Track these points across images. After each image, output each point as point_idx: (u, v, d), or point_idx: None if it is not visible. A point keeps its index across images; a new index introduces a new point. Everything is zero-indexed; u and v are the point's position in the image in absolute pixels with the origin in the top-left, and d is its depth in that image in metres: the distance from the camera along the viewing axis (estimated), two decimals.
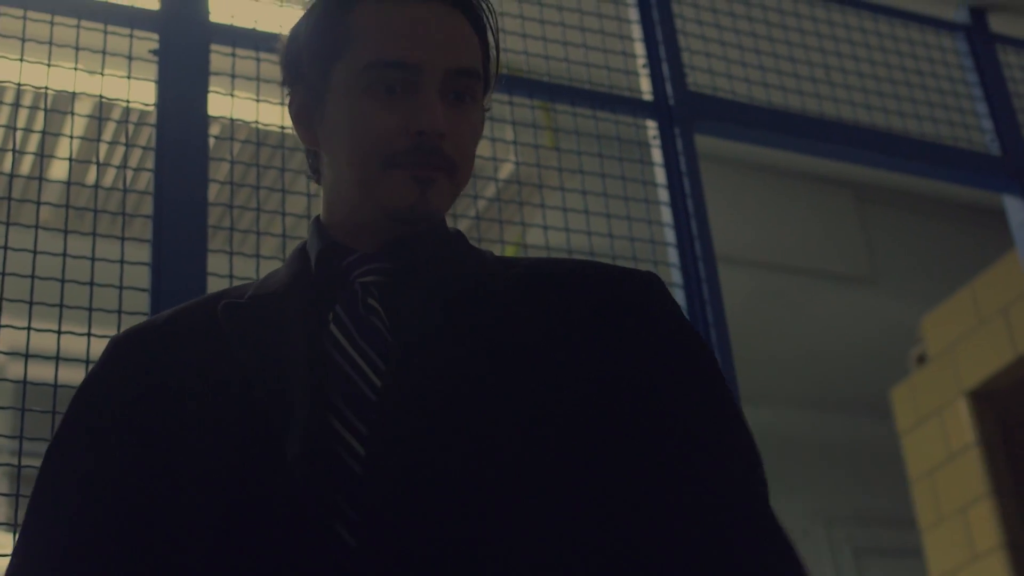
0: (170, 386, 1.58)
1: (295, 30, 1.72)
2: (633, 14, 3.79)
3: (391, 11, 1.62)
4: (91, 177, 2.95)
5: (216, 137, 3.05)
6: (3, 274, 2.69)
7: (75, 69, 2.93)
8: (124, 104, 2.98)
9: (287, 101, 1.73)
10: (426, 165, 1.58)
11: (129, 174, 2.98)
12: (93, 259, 2.77)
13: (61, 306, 2.68)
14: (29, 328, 2.66)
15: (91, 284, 2.74)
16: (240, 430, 1.51)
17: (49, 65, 2.93)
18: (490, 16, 1.72)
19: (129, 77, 2.96)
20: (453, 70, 1.61)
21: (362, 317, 1.57)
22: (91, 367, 1.68)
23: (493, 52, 1.73)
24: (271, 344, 1.57)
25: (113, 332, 2.67)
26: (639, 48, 3.75)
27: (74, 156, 2.92)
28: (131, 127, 3.11)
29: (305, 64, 1.68)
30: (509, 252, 4.88)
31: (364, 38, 1.61)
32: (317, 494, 1.45)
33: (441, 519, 1.42)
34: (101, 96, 2.96)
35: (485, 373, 1.52)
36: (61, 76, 2.95)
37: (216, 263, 2.81)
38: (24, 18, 2.93)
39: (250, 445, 1.50)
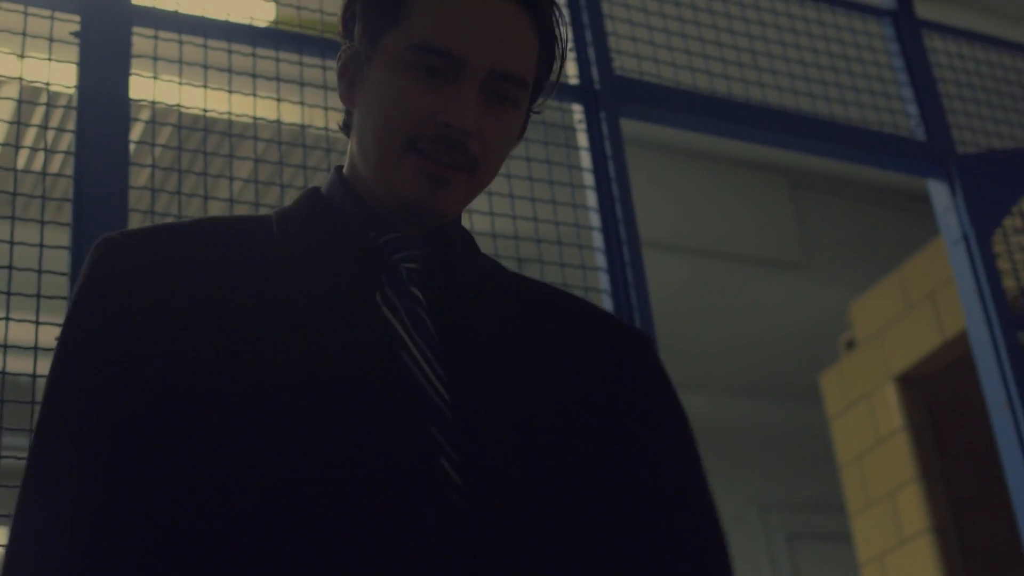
0: (215, 302, 1.52)
1: None
2: None
3: None
4: (10, 160, 2.92)
5: (138, 120, 3.03)
6: None
7: None
8: (45, 87, 2.95)
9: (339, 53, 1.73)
10: (445, 160, 1.58)
11: (50, 157, 2.95)
12: (12, 243, 2.75)
13: None
14: None
15: (9, 268, 2.71)
16: (320, 364, 1.50)
17: None
18: (559, 22, 1.70)
19: (50, 60, 2.93)
20: (499, 72, 1.60)
21: (409, 307, 1.58)
22: (86, 277, 1.56)
23: (555, 59, 1.72)
24: (323, 293, 1.56)
25: (31, 316, 2.68)
26: (564, 31, 3.74)
27: None
28: (52, 110, 3.08)
29: (360, 23, 1.67)
30: None
31: (420, 16, 1.60)
32: (422, 429, 1.48)
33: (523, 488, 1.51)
34: (21, 79, 2.94)
35: (530, 383, 1.60)
36: None
37: None
38: None
39: (333, 379, 1.49)
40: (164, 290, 1.52)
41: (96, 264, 1.55)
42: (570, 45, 3.71)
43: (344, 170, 1.71)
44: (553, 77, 1.73)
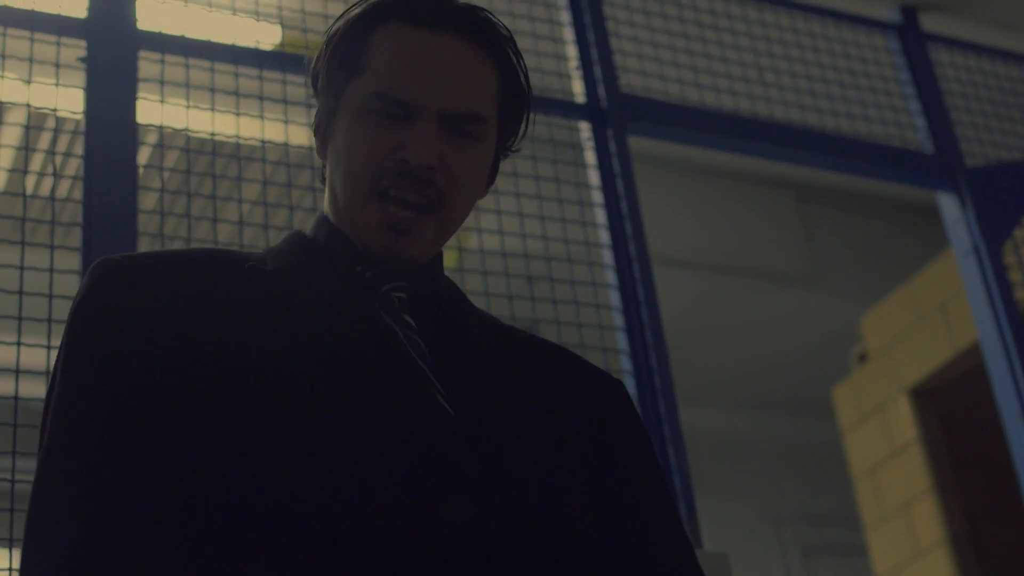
0: (218, 321, 1.53)
1: (324, 43, 1.74)
2: (565, 16, 3.80)
3: (407, 41, 1.65)
4: (20, 186, 2.92)
5: (146, 144, 3.04)
6: None
7: (2, 76, 2.91)
8: (52, 112, 2.96)
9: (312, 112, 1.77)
10: (413, 198, 1.61)
11: (59, 182, 2.96)
12: (22, 268, 2.75)
13: None
14: None
15: (20, 293, 2.72)
16: (329, 375, 1.51)
17: None
18: (513, 52, 1.73)
19: (57, 85, 2.94)
20: (451, 114, 1.63)
21: (405, 332, 1.61)
22: (88, 295, 1.55)
23: (519, 85, 1.74)
24: (324, 314, 1.58)
25: (43, 341, 2.68)
26: (571, 50, 3.76)
27: (3, 165, 2.90)
28: (60, 135, 3.09)
29: (324, 79, 1.71)
30: (449, 256, 4.87)
31: (377, 65, 1.65)
32: (443, 434, 1.51)
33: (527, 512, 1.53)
34: (29, 104, 2.95)
35: (521, 413, 1.63)
36: None
37: None
38: None
39: (344, 388, 1.51)
40: (165, 310, 1.52)
41: (96, 284, 1.55)
42: (576, 63, 3.72)
43: (326, 212, 1.73)
44: (524, 108, 1.76)
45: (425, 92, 1.62)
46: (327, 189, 1.72)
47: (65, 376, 1.50)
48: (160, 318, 1.51)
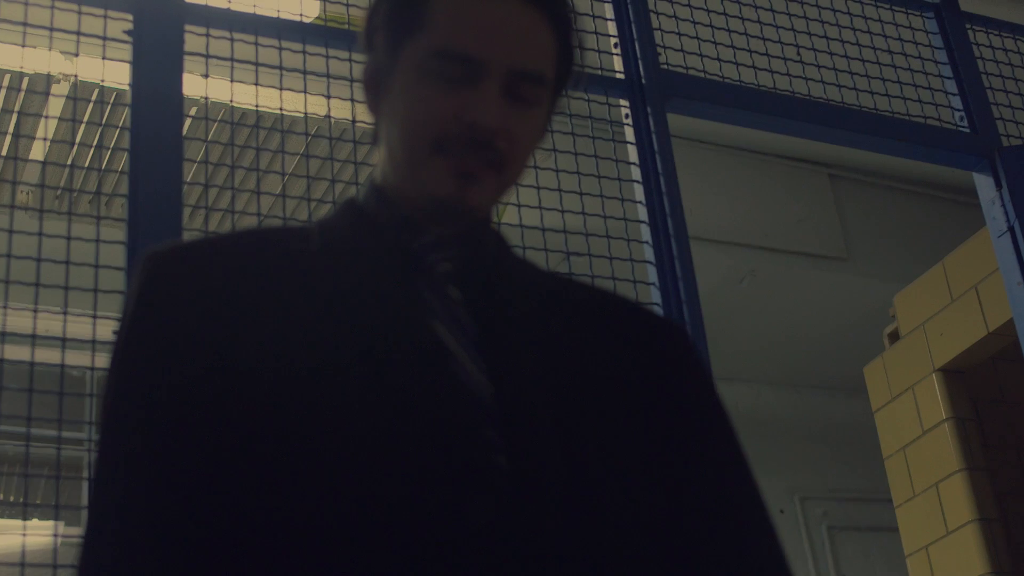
0: (261, 311, 1.54)
1: (376, 1, 1.72)
2: None
3: (469, 1, 1.63)
4: (67, 158, 2.95)
5: (192, 117, 3.06)
6: None
7: (49, 50, 2.94)
8: (99, 85, 2.98)
9: (363, 68, 1.75)
10: (473, 158, 1.60)
11: (105, 154, 2.98)
12: (69, 238, 2.78)
13: (37, 285, 2.69)
14: (5, 307, 2.66)
15: (67, 263, 2.75)
16: (366, 365, 1.51)
17: (24, 46, 2.93)
18: (572, 17, 1.71)
19: (104, 58, 2.96)
20: (518, 72, 1.61)
21: (448, 307, 1.60)
22: (140, 292, 1.56)
23: (573, 53, 1.73)
24: (362, 302, 1.58)
25: (89, 311, 2.71)
26: (611, 27, 3.76)
27: (50, 137, 2.92)
28: (107, 108, 3.11)
29: (380, 36, 1.69)
30: None
31: (438, 23, 1.62)
32: (475, 428, 1.50)
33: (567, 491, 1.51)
34: (76, 77, 2.97)
35: (570, 385, 1.61)
36: (36, 57, 2.95)
37: None
38: None
39: (381, 380, 1.50)
40: (213, 305, 1.53)
41: (147, 282, 1.57)
42: (616, 40, 3.73)
43: (376, 178, 1.72)
44: (575, 71, 1.75)
45: (491, 48, 1.60)
46: (382, 148, 1.71)
47: (120, 375, 1.53)
48: (207, 312, 1.52)
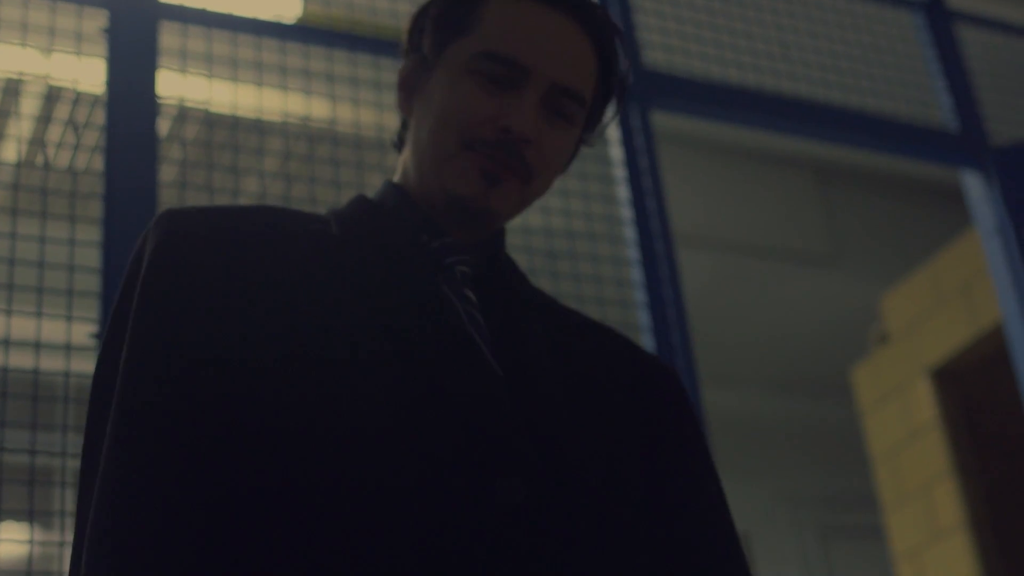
0: (279, 279, 1.52)
1: (427, 3, 1.74)
2: None
3: (524, 10, 1.65)
4: (41, 158, 2.91)
5: (168, 116, 3.02)
6: None
7: (23, 46, 2.90)
8: (73, 83, 2.94)
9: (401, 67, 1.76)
10: (500, 160, 1.60)
11: (79, 153, 2.94)
12: (43, 240, 2.74)
13: (11, 287, 2.65)
14: None
15: (41, 265, 2.70)
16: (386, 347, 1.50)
17: None
18: (618, 51, 1.73)
19: (79, 54, 2.92)
20: (560, 86, 1.63)
21: (465, 308, 1.60)
22: (157, 247, 1.52)
23: (613, 85, 1.74)
24: (385, 286, 1.56)
25: (63, 313, 2.67)
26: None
27: (23, 137, 2.88)
28: (81, 106, 3.07)
29: (427, 36, 1.71)
30: None
31: (489, 27, 1.64)
32: (503, 411, 1.50)
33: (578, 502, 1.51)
34: (49, 75, 2.93)
35: (577, 394, 1.62)
36: (9, 54, 2.91)
37: None
38: None
39: (402, 367, 1.49)
40: (236, 272, 1.51)
41: (163, 241, 1.52)
42: None
43: (396, 179, 1.73)
44: (611, 103, 1.77)
45: (537, 57, 1.62)
46: (407, 148, 1.72)
47: (135, 340, 1.47)
48: (227, 282, 1.50)
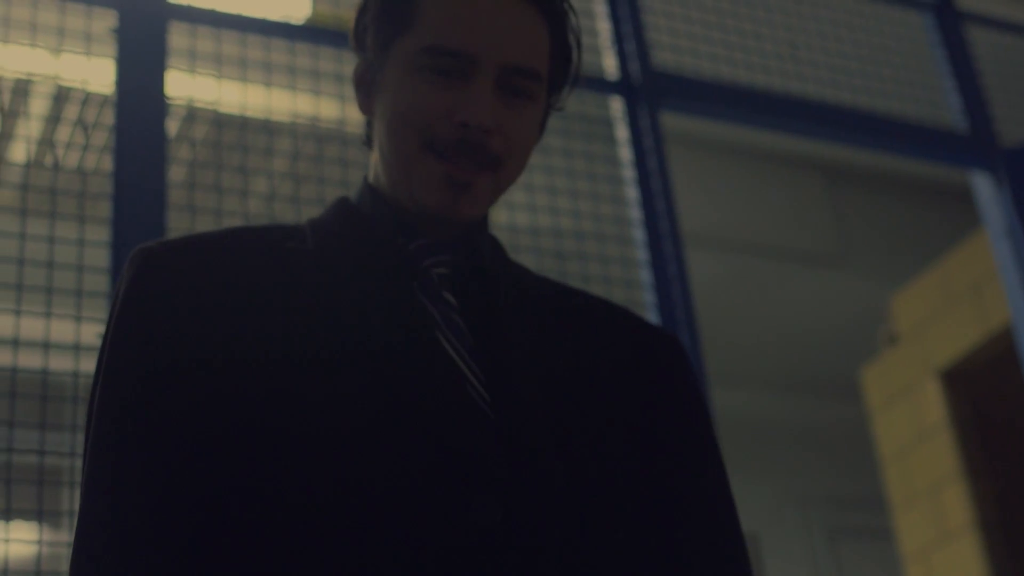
0: (248, 304, 1.51)
1: (365, 1, 1.70)
2: None
3: None
4: (50, 158, 2.91)
5: (177, 116, 3.02)
6: None
7: (33, 46, 2.90)
8: (83, 84, 2.94)
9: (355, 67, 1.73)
10: (466, 162, 1.57)
11: (88, 155, 2.94)
12: (52, 240, 2.74)
13: (20, 287, 2.65)
14: None
15: (50, 265, 2.71)
16: (360, 366, 1.48)
17: (6, 42, 2.89)
18: (567, 12, 1.69)
19: (88, 55, 2.92)
20: (510, 67, 1.59)
21: (443, 311, 1.58)
22: (129, 289, 1.53)
23: (570, 50, 1.70)
24: (358, 301, 1.55)
25: (72, 313, 2.67)
26: (604, 26, 3.73)
27: (33, 137, 2.88)
28: (90, 106, 3.07)
29: (371, 33, 1.67)
30: None
31: (428, 19, 1.60)
32: (472, 425, 1.48)
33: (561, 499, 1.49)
34: (59, 76, 2.93)
35: (565, 391, 1.59)
36: (19, 55, 2.91)
37: None
38: None
39: (375, 381, 1.48)
40: (204, 299, 1.51)
41: (135, 277, 1.54)
42: (609, 39, 3.69)
43: (370, 179, 1.71)
44: (572, 67, 1.72)
45: (481, 42, 1.57)
46: (374, 149, 1.70)
47: (107, 369, 1.50)
48: (196, 307, 1.50)
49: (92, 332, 2.66)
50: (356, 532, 1.39)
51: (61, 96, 3.00)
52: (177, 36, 3.04)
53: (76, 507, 2.42)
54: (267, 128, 3.10)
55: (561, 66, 1.70)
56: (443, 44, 1.57)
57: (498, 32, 1.58)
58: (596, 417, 1.59)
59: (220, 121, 3.08)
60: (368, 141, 1.74)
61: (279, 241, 1.61)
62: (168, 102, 2.94)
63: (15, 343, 2.63)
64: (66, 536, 2.59)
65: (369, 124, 1.72)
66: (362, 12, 1.70)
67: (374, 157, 1.70)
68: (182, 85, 3.03)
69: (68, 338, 2.66)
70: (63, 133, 3.06)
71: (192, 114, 3.07)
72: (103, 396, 1.48)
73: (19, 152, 3.51)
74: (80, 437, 2.54)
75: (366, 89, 1.69)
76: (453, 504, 1.41)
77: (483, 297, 1.63)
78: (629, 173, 3.49)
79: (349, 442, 1.42)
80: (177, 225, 2.84)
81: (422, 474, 1.42)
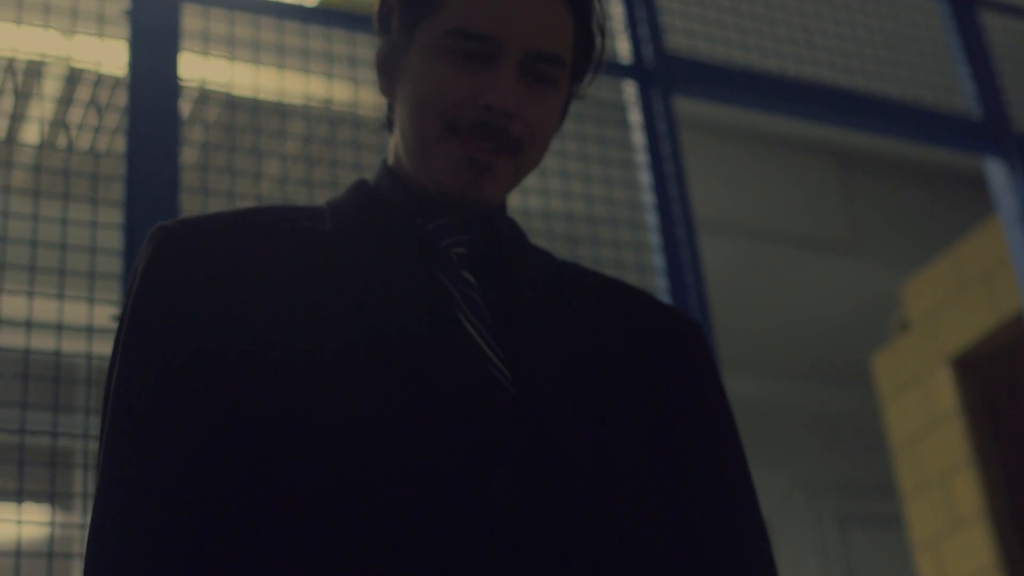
0: (269, 285, 1.51)
1: None
2: None
3: None
4: (63, 139, 2.91)
5: (190, 98, 3.02)
6: None
7: (46, 27, 2.89)
8: (96, 65, 2.94)
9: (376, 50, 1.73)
10: (486, 143, 1.58)
11: (101, 136, 2.94)
12: (65, 222, 2.74)
13: (33, 269, 2.65)
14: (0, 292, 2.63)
15: (63, 247, 2.71)
16: (376, 347, 1.48)
17: (20, 23, 2.89)
18: (593, 2, 1.69)
19: (101, 36, 2.92)
20: (533, 51, 1.59)
21: (462, 290, 1.58)
22: (147, 266, 1.53)
23: (594, 38, 1.70)
24: (377, 281, 1.55)
25: (85, 295, 2.67)
26: (617, 9, 3.72)
27: (46, 118, 2.88)
28: (103, 88, 3.07)
29: (396, 15, 1.68)
30: None
31: (454, 3, 1.60)
32: (494, 403, 1.48)
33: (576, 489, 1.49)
34: (72, 57, 2.93)
35: (584, 370, 1.59)
36: (32, 36, 2.91)
37: None
38: None
39: (392, 361, 1.48)
40: (223, 279, 1.51)
41: (154, 256, 1.54)
42: (622, 23, 3.68)
43: (389, 161, 1.71)
44: (595, 56, 1.73)
45: (507, 27, 1.58)
46: (395, 132, 1.70)
47: (125, 348, 1.50)
48: (215, 288, 1.50)
49: (105, 314, 2.66)
50: (377, 510, 1.39)
51: (74, 77, 3.00)
52: (190, 18, 3.03)
53: (89, 489, 2.44)
54: (280, 111, 3.10)
55: (585, 53, 1.70)
56: (469, 27, 1.58)
57: (523, 17, 1.59)
58: (616, 397, 1.59)
59: (233, 103, 3.08)
60: (388, 124, 1.74)
61: (298, 221, 1.62)
62: (181, 84, 2.93)
63: (28, 325, 2.63)
64: (78, 518, 2.60)
65: (390, 107, 1.73)
66: None
67: (394, 139, 1.71)
68: (195, 67, 3.02)
69: (81, 320, 2.66)
70: (76, 115, 3.05)
71: (205, 96, 3.06)
72: (120, 379, 1.48)
73: (32, 133, 3.50)
74: (93, 419, 2.56)
75: (388, 72, 1.70)
76: (473, 481, 1.42)
77: (502, 276, 1.64)
78: (642, 158, 3.48)
79: (369, 422, 1.43)
80: (190, 207, 2.83)
81: (442, 451, 1.42)
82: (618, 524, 1.50)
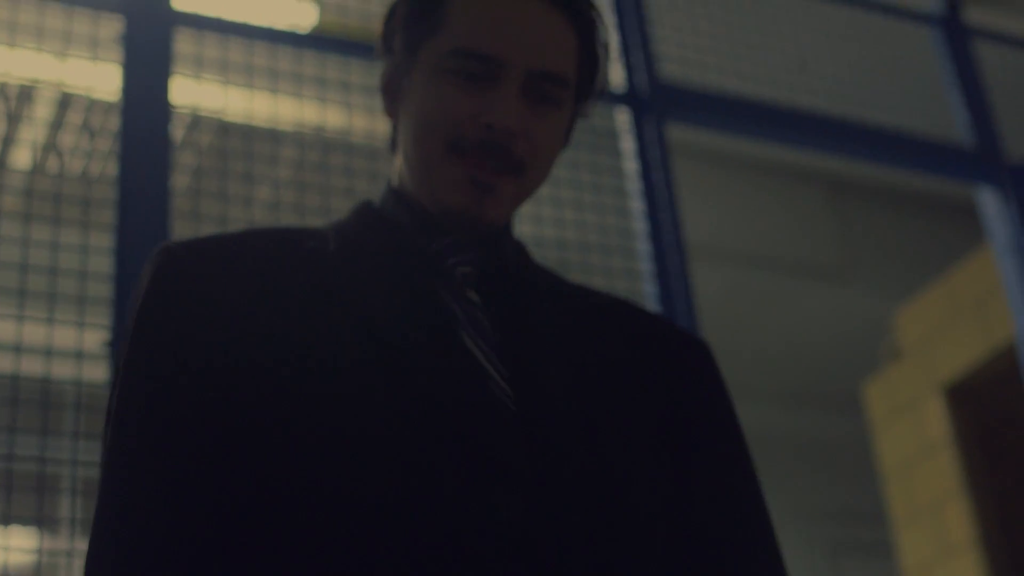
0: (269, 305, 1.51)
1: (394, 4, 1.71)
2: (605, 2, 3.76)
3: (488, 0, 1.61)
4: (54, 163, 2.90)
5: (182, 123, 3.02)
6: None
7: (38, 51, 2.89)
8: (88, 89, 2.94)
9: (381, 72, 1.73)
10: (490, 163, 1.58)
11: (93, 161, 2.93)
12: (56, 246, 2.73)
13: (23, 293, 2.65)
14: None
15: (53, 271, 2.70)
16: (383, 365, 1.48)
17: (12, 47, 2.89)
18: (597, 23, 1.68)
19: (94, 60, 2.91)
20: (537, 72, 1.59)
21: (466, 309, 1.58)
22: (151, 285, 1.53)
23: (598, 59, 1.70)
24: (381, 301, 1.55)
25: (75, 319, 2.66)
26: (611, 37, 3.71)
27: (37, 142, 2.87)
28: (95, 113, 3.07)
29: (399, 36, 1.68)
30: None
31: (456, 23, 1.61)
32: (495, 422, 1.48)
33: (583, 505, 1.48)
34: (64, 81, 2.92)
35: (589, 388, 1.59)
36: (25, 60, 2.91)
37: None
38: None
39: (402, 380, 1.47)
40: (225, 299, 1.51)
41: (156, 276, 1.54)
42: (616, 51, 3.68)
43: (393, 183, 1.71)
44: (600, 75, 1.72)
45: (510, 47, 1.58)
46: (398, 152, 1.70)
47: (128, 365, 1.50)
48: (218, 306, 1.50)
49: (95, 339, 2.65)
50: (381, 529, 1.39)
51: (66, 101, 2.99)
52: (183, 43, 3.03)
53: (77, 515, 2.43)
54: (272, 136, 3.09)
55: (588, 74, 1.70)
56: (471, 47, 1.58)
57: (527, 37, 1.59)
58: (621, 415, 1.59)
59: (225, 128, 3.07)
60: (392, 145, 1.74)
61: (300, 242, 1.62)
62: (173, 109, 2.93)
63: (17, 349, 2.62)
64: (65, 544, 2.59)
65: (394, 128, 1.73)
66: (390, 16, 1.71)
67: (398, 161, 1.71)
68: (187, 92, 3.02)
69: (70, 345, 2.65)
70: (68, 139, 3.05)
71: (197, 121, 3.06)
72: (122, 397, 1.48)
73: (23, 157, 3.50)
74: (81, 445, 2.55)
75: (392, 93, 1.70)
76: (476, 500, 1.41)
77: (507, 295, 1.63)
78: (635, 185, 3.47)
79: (371, 440, 1.42)
80: (181, 233, 2.83)
81: (445, 471, 1.42)
82: (621, 540, 1.49)
